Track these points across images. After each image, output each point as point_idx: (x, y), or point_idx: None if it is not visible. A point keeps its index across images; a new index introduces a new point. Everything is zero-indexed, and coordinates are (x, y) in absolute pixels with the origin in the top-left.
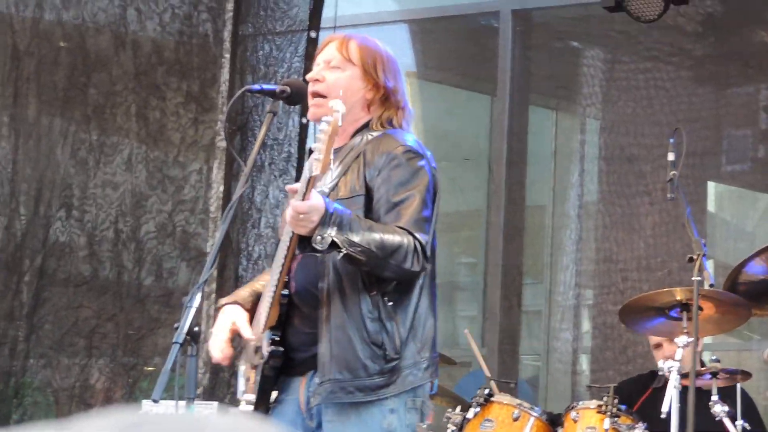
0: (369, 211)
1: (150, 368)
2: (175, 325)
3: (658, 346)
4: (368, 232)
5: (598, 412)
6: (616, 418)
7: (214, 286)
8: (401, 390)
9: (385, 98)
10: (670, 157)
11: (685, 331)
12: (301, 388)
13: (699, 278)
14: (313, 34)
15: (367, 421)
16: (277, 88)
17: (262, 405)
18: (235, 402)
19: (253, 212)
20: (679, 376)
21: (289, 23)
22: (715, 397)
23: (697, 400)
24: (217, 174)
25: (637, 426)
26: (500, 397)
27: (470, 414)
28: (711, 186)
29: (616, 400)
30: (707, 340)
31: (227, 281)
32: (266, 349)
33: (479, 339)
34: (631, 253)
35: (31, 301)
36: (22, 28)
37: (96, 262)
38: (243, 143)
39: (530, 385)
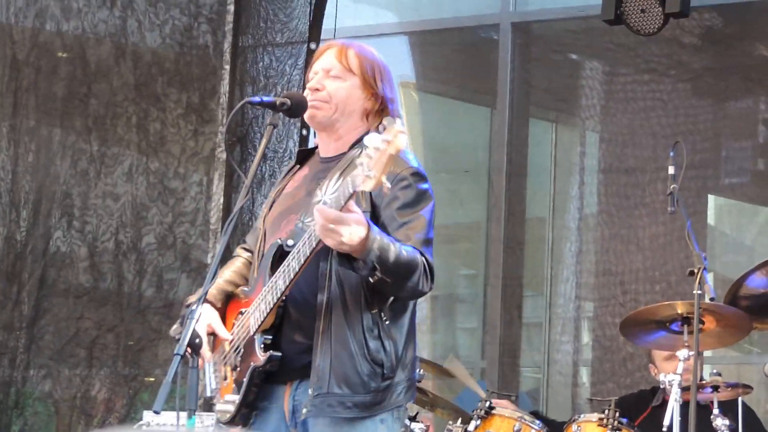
0: (376, 225)
1: (150, 379)
2: (176, 336)
3: (671, 357)
4: (399, 254)
5: (600, 425)
6: (617, 431)
7: None
8: (391, 408)
9: (383, 109)
10: (671, 170)
11: (686, 344)
12: (285, 396)
13: (700, 292)
14: (313, 46)
15: None
16: (278, 100)
17: (246, 408)
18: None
19: (253, 224)
20: (680, 390)
21: (289, 35)
22: (716, 411)
23: (698, 414)
24: (218, 186)
25: None
26: (501, 410)
27: (471, 426)
28: (711, 199)
29: (617, 413)
30: (708, 353)
31: None
32: (262, 354)
33: (479, 351)
34: (631, 266)
35: (31, 312)
36: (21, 39)
37: (96, 273)
38: (243, 155)
39: (531, 398)
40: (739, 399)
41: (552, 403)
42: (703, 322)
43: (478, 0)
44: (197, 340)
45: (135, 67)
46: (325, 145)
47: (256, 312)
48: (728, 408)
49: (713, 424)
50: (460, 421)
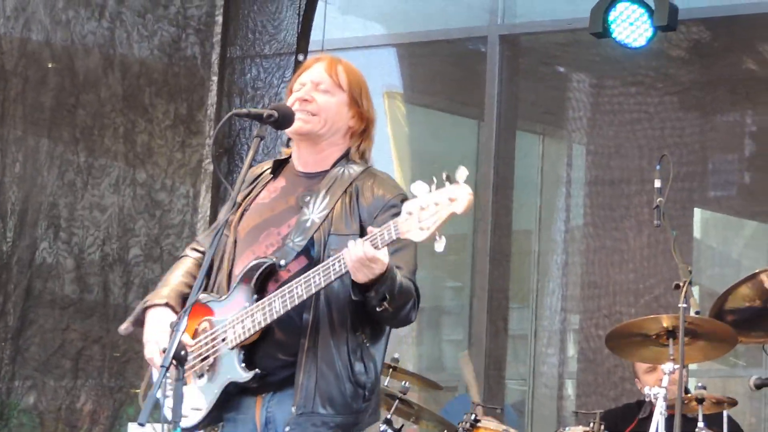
0: None
1: (136, 391)
2: (162, 348)
3: (652, 369)
4: (401, 285)
5: None
6: None
7: None
8: (364, 428)
9: (365, 130)
10: (657, 183)
11: (672, 358)
12: (257, 408)
13: (685, 305)
14: (301, 58)
15: None
16: (265, 112)
17: (211, 417)
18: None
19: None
20: (665, 403)
21: (277, 46)
22: (701, 424)
23: (683, 427)
24: (204, 197)
25: None
26: (486, 422)
27: None
28: (697, 212)
29: (602, 426)
30: (694, 366)
31: None
32: (244, 371)
33: None
34: (617, 278)
35: (17, 323)
36: (9, 49)
37: (83, 284)
38: (230, 166)
39: (516, 410)
40: (725, 412)
41: (537, 416)
42: (688, 336)
43: (466, 12)
44: (182, 352)
45: (123, 77)
46: (304, 158)
47: (237, 326)
48: (713, 421)
49: None
50: None
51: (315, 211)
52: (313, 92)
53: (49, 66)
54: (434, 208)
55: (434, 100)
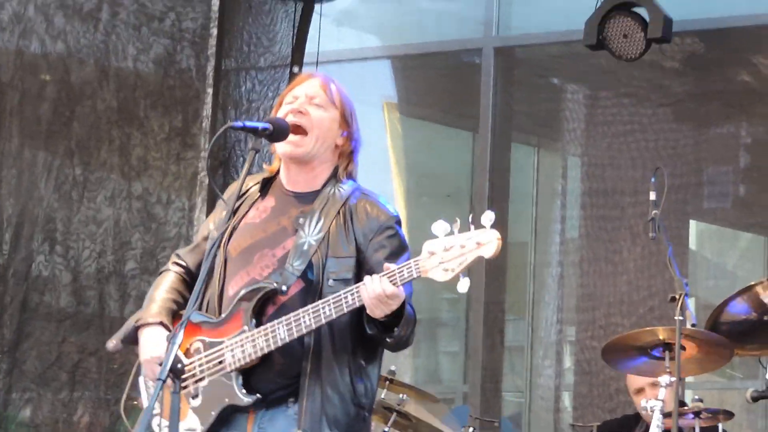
0: (359, 270)
1: (133, 403)
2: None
3: (640, 390)
4: (410, 318)
5: None
6: None
7: None
8: None
9: (351, 151)
10: (652, 196)
11: (668, 370)
12: (249, 424)
13: (681, 318)
14: (295, 70)
15: None
16: (260, 125)
17: None
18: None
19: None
20: (661, 416)
21: (272, 59)
22: None
23: None
24: (200, 210)
25: None
26: None
27: None
28: (692, 224)
29: None
30: (690, 379)
31: None
32: (243, 395)
33: (461, 376)
34: (612, 290)
35: (13, 336)
36: (6, 61)
37: (79, 297)
38: (225, 179)
39: (513, 423)
40: (720, 425)
41: (534, 429)
42: (684, 348)
43: (461, 24)
44: (179, 365)
45: (118, 90)
46: (293, 176)
47: (237, 350)
48: None
49: None
50: None
51: (311, 234)
52: (307, 105)
53: (45, 78)
54: (459, 250)
55: (429, 112)
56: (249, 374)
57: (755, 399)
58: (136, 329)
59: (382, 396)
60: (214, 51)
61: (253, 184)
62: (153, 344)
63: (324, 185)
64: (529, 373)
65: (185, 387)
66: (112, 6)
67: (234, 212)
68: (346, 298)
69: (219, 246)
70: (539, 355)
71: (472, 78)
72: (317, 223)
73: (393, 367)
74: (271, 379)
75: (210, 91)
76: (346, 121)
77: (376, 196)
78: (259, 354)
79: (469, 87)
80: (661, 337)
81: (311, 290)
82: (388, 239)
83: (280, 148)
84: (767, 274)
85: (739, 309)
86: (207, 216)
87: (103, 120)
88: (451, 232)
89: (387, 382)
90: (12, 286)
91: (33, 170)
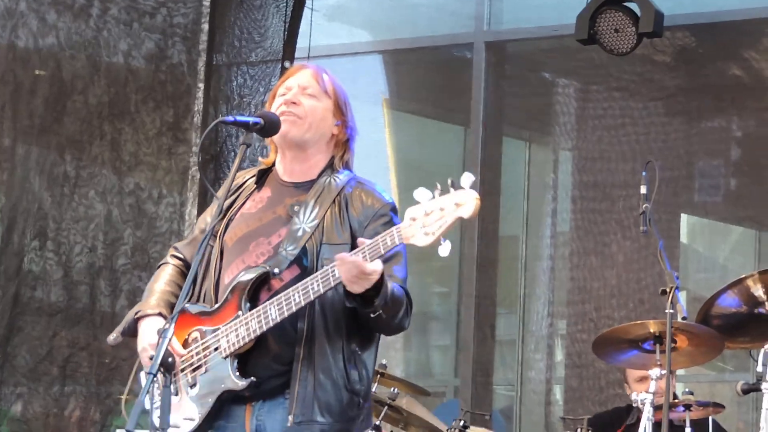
0: None
1: (125, 397)
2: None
3: (643, 379)
4: (393, 293)
5: None
6: None
7: None
8: None
9: (347, 140)
10: (642, 189)
11: (659, 363)
12: (247, 415)
13: (672, 311)
14: (287, 65)
15: None
16: (251, 120)
17: (204, 426)
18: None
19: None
20: (652, 409)
21: (263, 54)
22: (688, 430)
23: None
24: (192, 205)
25: None
26: (475, 429)
27: None
28: (684, 218)
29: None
30: (681, 372)
31: None
32: (238, 379)
33: (452, 369)
34: (604, 283)
35: (4, 330)
36: None
37: (70, 291)
38: (217, 174)
39: (504, 416)
40: (710, 418)
41: (525, 422)
42: (675, 341)
43: (452, 19)
44: (170, 359)
45: (110, 85)
46: (289, 167)
47: (231, 335)
48: (700, 427)
49: None
50: None
51: (305, 221)
52: (300, 96)
53: (37, 73)
54: (439, 213)
55: (420, 106)
56: (245, 361)
57: (746, 392)
58: (136, 321)
59: (374, 390)
60: (206, 46)
61: (249, 176)
62: (149, 333)
63: (320, 175)
64: (520, 366)
65: (184, 376)
66: (103, 1)
67: (230, 205)
68: (333, 271)
69: (211, 238)
70: (530, 348)
71: (464, 72)
72: (312, 210)
73: (384, 361)
74: (267, 364)
75: (201, 86)
76: (340, 110)
77: (372, 185)
78: (252, 336)
79: (460, 81)
80: (651, 330)
81: (306, 276)
82: (383, 226)
83: None
84: (758, 268)
85: (730, 302)
86: (198, 211)
87: (94, 115)
88: (433, 198)
89: (378, 376)
90: (3, 281)
91: (25, 165)
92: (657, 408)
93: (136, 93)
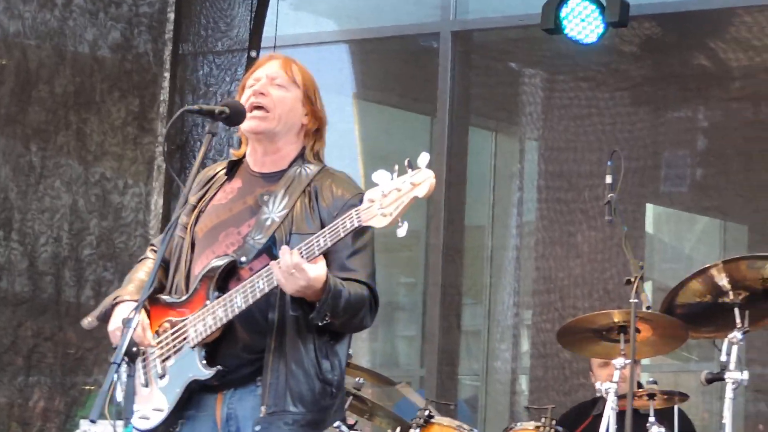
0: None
1: (89, 387)
2: (113, 345)
3: (606, 364)
4: (348, 299)
5: None
6: None
7: None
8: (329, 425)
9: (317, 129)
10: (608, 179)
11: (623, 353)
12: (218, 404)
13: (636, 300)
14: (253, 54)
15: None
16: (216, 108)
17: (174, 417)
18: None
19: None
20: (616, 398)
21: (230, 43)
22: (652, 419)
23: (634, 422)
24: (158, 195)
25: None
26: (440, 419)
27: None
28: (649, 207)
29: (553, 421)
30: (646, 361)
31: None
32: (205, 368)
33: (418, 360)
34: (569, 273)
35: None
36: None
37: (35, 281)
38: (182, 163)
39: (469, 406)
40: (675, 407)
41: (491, 411)
42: (639, 331)
43: (418, 8)
44: (134, 349)
45: (75, 75)
46: (259, 158)
47: (198, 324)
48: (665, 416)
49: None
50: (399, 429)
51: (275, 210)
52: (268, 87)
53: (2, 63)
54: (396, 194)
55: (386, 96)
56: (214, 351)
57: (710, 381)
58: (113, 308)
59: None
60: (172, 35)
61: (220, 168)
62: (121, 316)
63: (290, 165)
64: (485, 356)
65: (146, 369)
66: None
67: (201, 197)
68: (300, 251)
69: (182, 230)
70: (496, 338)
71: (430, 62)
72: (282, 200)
73: (350, 351)
74: (236, 354)
75: (167, 75)
76: (310, 99)
77: (343, 175)
78: (219, 325)
79: (426, 71)
80: (616, 320)
81: None
82: None
83: (245, 124)
84: (723, 257)
85: (694, 292)
86: (164, 201)
87: (60, 105)
88: (391, 180)
89: None
90: None
91: None
92: (621, 397)
93: (101, 82)
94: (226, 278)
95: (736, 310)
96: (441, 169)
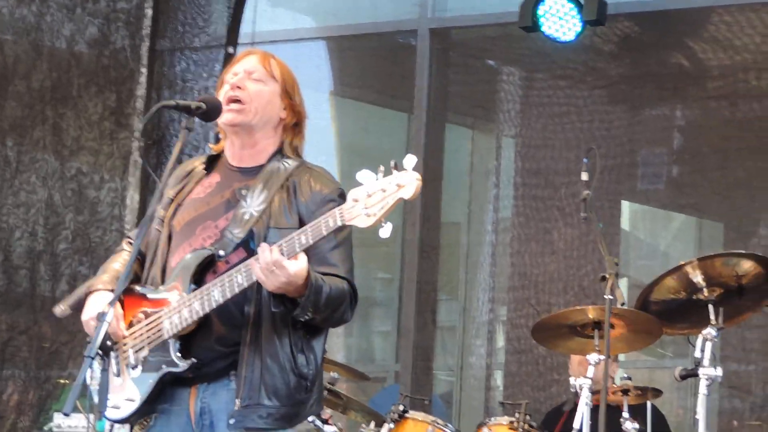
0: None
1: (64, 381)
2: (87, 339)
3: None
4: (329, 294)
5: (510, 429)
6: None
7: None
8: (305, 418)
9: (296, 124)
10: (584, 176)
11: (597, 349)
12: (191, 399)
13: (611, 297)
14: (230, 50)
15: None
16: (192, 104)
17: (146, 409)
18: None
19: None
20: (590, 394)
21: (207, 39)
22: (625, 414)
23: (608, 417)
24: (134, 189)
25: None
26: (414, 414)
27: (384, 429)
28: (625, 205)
29: (527, 417)
30: (621, 357)
31: None
32: (180, 360)
33: (394, 355)
34: (544, 269)
35: None
36: None
37: (10, 275)
38: (159, 158)
39: (444, 401)
40: (648, 403)
41: (465, 407)
42: (613, 327)
43: (396, 5)
44: (108, 343)
45: (52, 70)
46: (237, 152)
47: (174, 316)
48: (638, 411)
49: (622, 427)
50: (373, 424)
51: (253, 205)
52: (245, 80)
53: None
54: (381, 194)
55: (364, 93)
56: (189, 343)
57: (683, 377)
58: (86, 297)
59: None
60: (149, 31)
61: (199, 163)
62: (95, 306)
63: (269, 160)
64: (460, 351)
65: (118, 359)
66: None
67: (179, 191)
68: (280, 248)
69: (159, 224)
70: (471, 334)
71: (408, 59)
72: (260, 195)
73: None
74: (210, 346)
75: (144, 71)
76: (288, 93)
77: (321, 170)
78: (195, 318)
79: (404, 68)
80: (590, 316)
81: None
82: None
83: (222, 117)
84: (699, 255)
85: (669, 288)
86: (140, 196)
87: (36, 100)
88: (376, 180)
89: None
90: None
91: None
92: (595, 393)
93: (78, 78)
94: (202, 271)
95: (711, 307)
96: (418, 166)
